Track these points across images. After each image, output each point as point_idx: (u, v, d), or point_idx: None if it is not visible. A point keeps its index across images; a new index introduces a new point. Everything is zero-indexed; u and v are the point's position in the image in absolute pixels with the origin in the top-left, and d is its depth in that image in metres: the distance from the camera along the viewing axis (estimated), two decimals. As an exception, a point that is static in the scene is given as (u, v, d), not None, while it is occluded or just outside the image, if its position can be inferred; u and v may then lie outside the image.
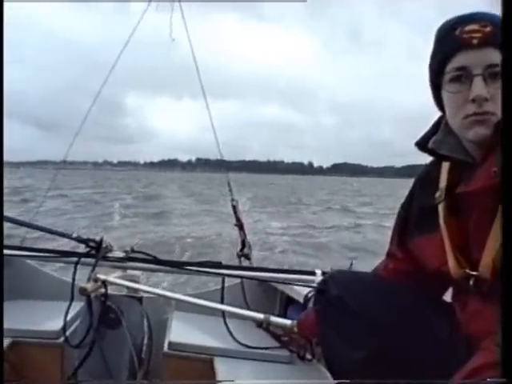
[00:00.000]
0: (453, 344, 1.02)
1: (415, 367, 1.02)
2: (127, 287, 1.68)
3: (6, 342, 1.52)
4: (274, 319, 1.59)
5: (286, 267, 7.80)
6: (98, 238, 1.83)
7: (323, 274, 1.77)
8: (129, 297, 1.65)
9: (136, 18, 2.47)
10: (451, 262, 0.99)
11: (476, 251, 0.93)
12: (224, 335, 1.68)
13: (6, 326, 1.58)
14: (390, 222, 1.33)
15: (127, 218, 14.84)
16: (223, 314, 1.73)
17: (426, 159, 1.13)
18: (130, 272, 1.81)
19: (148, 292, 1.73)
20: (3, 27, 0.75)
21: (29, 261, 2.06)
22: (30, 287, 2.03)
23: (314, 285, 1.65)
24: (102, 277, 1.61)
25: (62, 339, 1.59)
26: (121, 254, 1.84)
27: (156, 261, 1.90)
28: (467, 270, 0.96)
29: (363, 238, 12.25)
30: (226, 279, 1.89)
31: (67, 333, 1.58)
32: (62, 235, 1.96)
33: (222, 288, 1.84)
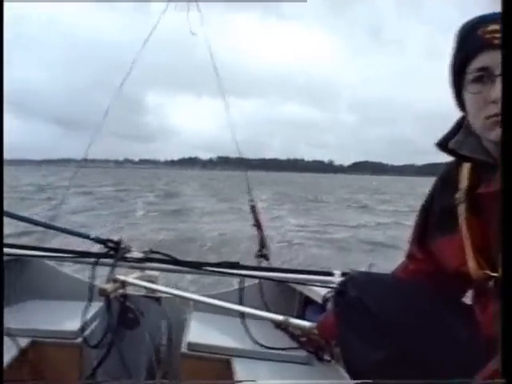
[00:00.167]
0: (472, 346, 1.01)
1: (434, 369, 1.01)
2: (146, 288, 1.69)
3: (26, 341, 1.54)
4: (294, 321, 1.58)
5: (302, 259, 7.79)
6: (116, 239, 1.84)
7: (342, 274, 1.76)
8: (147, 297, 1.66)
9: (156, 17, 2.49)
10: (471, 263, 0.99)
11: (496, 252, 0.92)
12: (242, 336, 1.68)
13: (25, 326, 1.61)
14: (410, 221, 1.32)
15: (150, 214, 15.23)
16: (242, 314, 1.73)
17: (446, 157, 1.13)
18: (148, 272, 1.81)
19: (166, 292, 1.73)
20: (3, 27, 0.76)
21: (48, 261, 2.08)
22: (49, 287, 2.05)
23: (333, 285, 1.63)
24: (121, 277, 1.62)
25: (80, 339, 1.61)
26: (139, 255, 1.84)
27: (174, 261, 1.90)
28: (487, 272, 0.96)
29: (383, 234, 12.14)
30: (245, 279, 1.89)
31: (85, 333, 1.60)
32: (80, 235, 1.96)
33: (240, 289, 1.84)
